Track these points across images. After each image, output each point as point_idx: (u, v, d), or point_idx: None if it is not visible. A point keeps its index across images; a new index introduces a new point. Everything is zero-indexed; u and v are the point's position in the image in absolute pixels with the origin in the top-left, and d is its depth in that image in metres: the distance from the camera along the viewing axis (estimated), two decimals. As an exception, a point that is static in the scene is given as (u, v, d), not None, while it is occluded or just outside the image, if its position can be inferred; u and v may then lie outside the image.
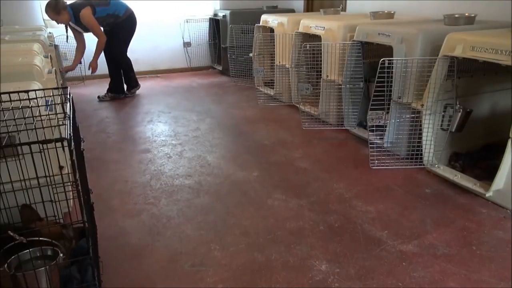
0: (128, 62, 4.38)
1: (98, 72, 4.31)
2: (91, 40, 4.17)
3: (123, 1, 4.15)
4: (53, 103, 1.75)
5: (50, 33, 3.98)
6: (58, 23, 3.92)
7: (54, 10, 3.74)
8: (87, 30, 4.03)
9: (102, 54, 4.20)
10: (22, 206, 1.59)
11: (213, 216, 2.10)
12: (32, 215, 1.67)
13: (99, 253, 1.64)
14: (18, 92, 1.55)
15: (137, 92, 4.61)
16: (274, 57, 4.03)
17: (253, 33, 4.41)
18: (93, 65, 4.12)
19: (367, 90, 3.10)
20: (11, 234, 1.40)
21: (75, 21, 3.89)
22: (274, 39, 3.98)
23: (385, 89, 2.47)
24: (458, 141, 2.55)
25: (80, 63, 4.28)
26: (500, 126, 2.25)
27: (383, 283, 1.60)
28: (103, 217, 2.08)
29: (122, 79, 4.45)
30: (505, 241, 1.84)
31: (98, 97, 4.40)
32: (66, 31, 4.09)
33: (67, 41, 4.37)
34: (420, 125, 2.44)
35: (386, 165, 2.61)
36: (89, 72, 4.32)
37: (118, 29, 4.13)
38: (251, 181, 2.48)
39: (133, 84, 4.52)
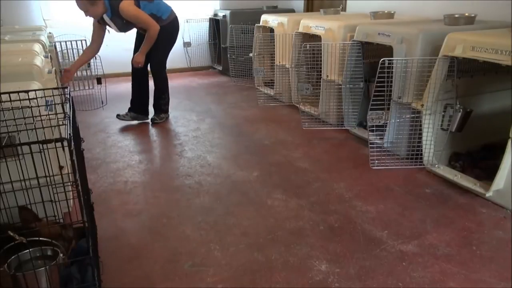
0: (164, 79, 3.61)
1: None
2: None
3: (167, 3, 3.45)
4: (53, 103, 1.75)
5: (50, 33, 3.98)
6: (86, 15, 3.18)
7: None
8: (123, 30, 3.37)
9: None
10: (19, 208, 1.59)
11: (213, 216, 2.10)
12: (29, 216, 1.66)
13: (99, 253, 1.64)
14: (18, 92, 1.55)
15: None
16: (274, 57, 4.03)
17: (253, 33, 4.41)
18: (138, 59, 3.36)
19: (367, 90, 3.10)
20: (11, 234, 1.40)
21: (111, 15, 3.19)
22: (274, 39, 3.98)
23: (385, 89, 2.47)
24: (458, 141, 2.55)
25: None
26: (500, 126, 2.25)
27: (383, 283, 1.59)
28: (103, 217, 2.08)
29: (146, 97, 3.67)
30: (505, 241, 1.84)
31: (118, 115, 3.68)
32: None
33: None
34: (420, 125, 2.44)
35: (386, 165, 2.61)
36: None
37: (159, 36, 3.34)
38: (251, 181, 2.48)
39: (165, 108, 3.68)
